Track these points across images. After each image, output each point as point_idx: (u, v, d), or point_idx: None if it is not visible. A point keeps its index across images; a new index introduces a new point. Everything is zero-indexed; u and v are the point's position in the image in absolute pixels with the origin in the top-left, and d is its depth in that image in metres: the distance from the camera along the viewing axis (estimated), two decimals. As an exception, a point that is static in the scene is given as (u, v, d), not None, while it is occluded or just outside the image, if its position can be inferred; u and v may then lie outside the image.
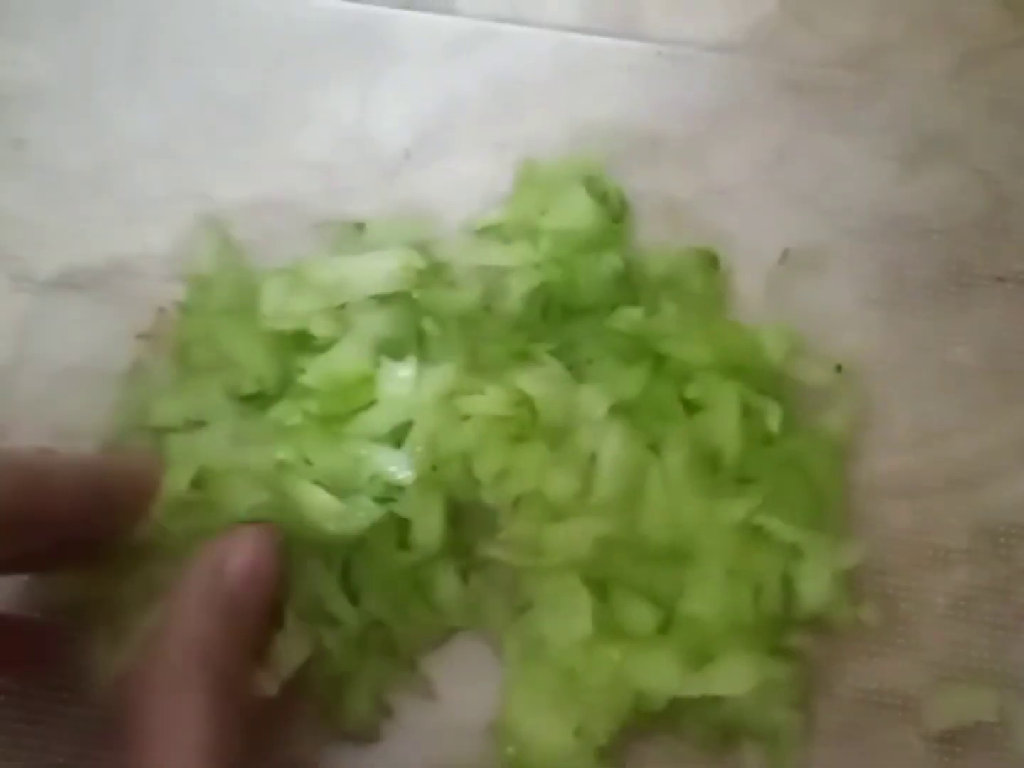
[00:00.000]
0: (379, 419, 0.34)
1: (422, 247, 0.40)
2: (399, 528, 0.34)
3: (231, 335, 0.37)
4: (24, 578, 0.35)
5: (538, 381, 0.35)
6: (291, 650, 0.32)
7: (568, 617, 0.34)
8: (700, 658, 0.34)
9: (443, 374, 0.35)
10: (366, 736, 0.35)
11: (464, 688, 0.36)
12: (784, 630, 0.35)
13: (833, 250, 0.42)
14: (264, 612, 0.30)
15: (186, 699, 0.27)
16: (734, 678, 0.33)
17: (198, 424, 0.36)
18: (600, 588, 0.35)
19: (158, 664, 0.27)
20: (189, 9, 0.45)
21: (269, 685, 0.31)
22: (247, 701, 0.29)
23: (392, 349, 0.36)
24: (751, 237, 0.42)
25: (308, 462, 0.33)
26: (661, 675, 0.33)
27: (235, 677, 0.29)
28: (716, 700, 0.34)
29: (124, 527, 0.32)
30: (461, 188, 0.42)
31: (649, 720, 0.35)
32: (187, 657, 0.27)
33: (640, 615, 0.34)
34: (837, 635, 0.36)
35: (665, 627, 0.34)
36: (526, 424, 0.35)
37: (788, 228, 0.42)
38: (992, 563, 0.38)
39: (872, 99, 0.44)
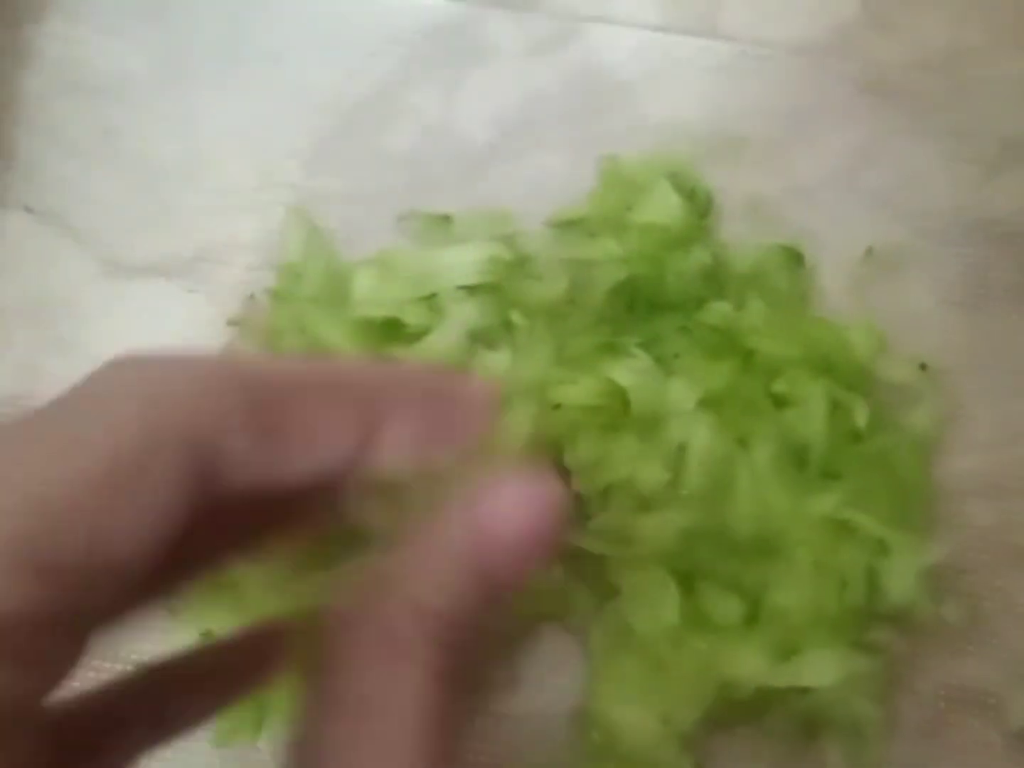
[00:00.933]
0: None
1: (507, 240, 0.40)
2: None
3: (322, 322, 0.38)
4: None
5: (629, 372, 0.35)
6: None
7: (655, 607, 0.34)
8: (786, 649, 0.34)
9: (536, 363, 0.35)
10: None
11: (548, 675, 0.37)
12: (867, 624, 0.35)
13: (915, 251, 0.42)
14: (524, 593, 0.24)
15: (407, 676, 0.20)
16: (819, 670, 0.33)
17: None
18: (686, 580, 0.35)
19: (374, 624, 0.20)
20: (280, 5, 0.45)
21: None
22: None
23: (483, 338, 0.37)
24: (833, 236, 0.42)
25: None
26: (748, 664, 0.33)
27: (468, 668, 0.21)
28: (800, 692, 0.34)
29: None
30: (544, 183, 0.43)
31: (733, 711, 0.35)
32: (415, 628, 0.20)
33: (726, 607, 0.35)
34: (920, 632, 0.37)
35: (751, 619, 0.35)
36: (618, 414, 0.35)
37: (870, 228, 0.42)
38: (1075, 565, 0.38)
39: (951, 103, 0.44)
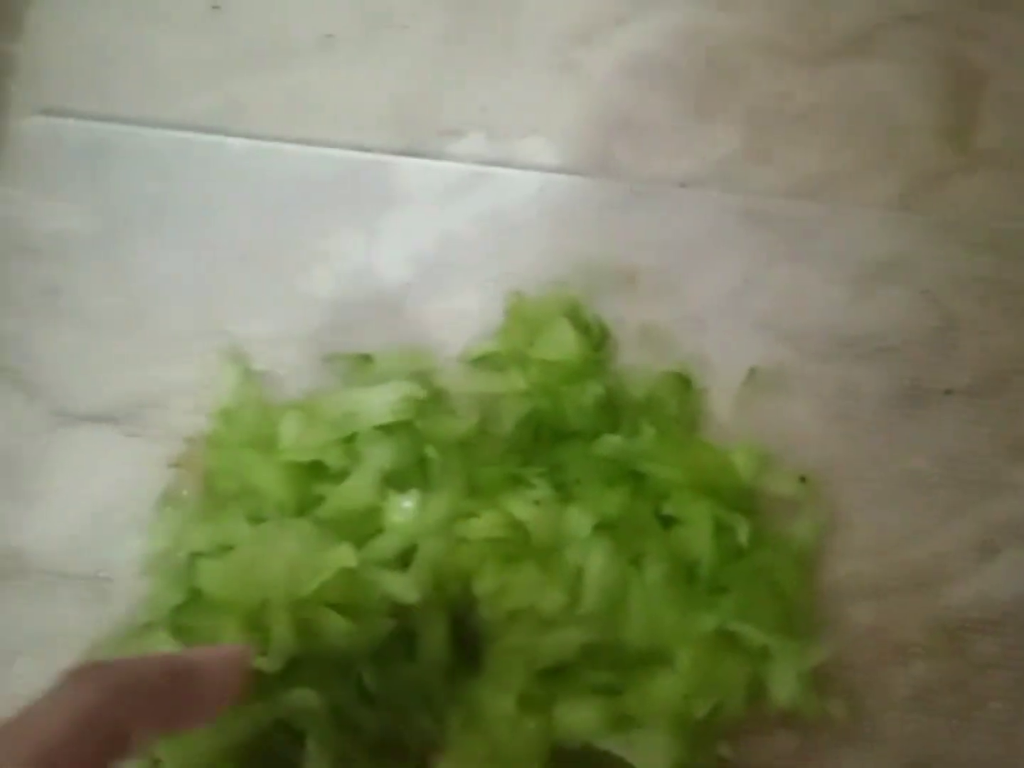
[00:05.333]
0: (387, 545, 0.38)
1: (424, 377, 0.44)
2: (407, 642, 0.38)
3: (253, 466, 0.41)
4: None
5: (528, 505, 0.39)
6: None
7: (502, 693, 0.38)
8: (626, 723, 0.37)
9: (442, 502, 0.39)
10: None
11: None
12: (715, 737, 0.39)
13: (795, 369, 0.46)
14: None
15: None
16: (650, 753, 0.37)
17: (225, 548, 0.40)
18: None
19: None
20: (209, 160, 0.49)
21: None
22: None
23: (398, 477, 0.40)
24: (721, 359, 0.46)
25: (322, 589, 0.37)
26: (581, 719, 0.37)
27: None
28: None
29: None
30: (459, 320, 0.47)
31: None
32: None
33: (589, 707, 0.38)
34: (808, 728, 0.40)
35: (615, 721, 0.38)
36: (518, 545, 0.39)
37: (754, 350, 0.46)
38: (949, 657, 0.41)
39: (827, 227, 0.48)
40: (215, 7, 0.53)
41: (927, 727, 0.41)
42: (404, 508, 0.39)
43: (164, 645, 0.38)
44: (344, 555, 0.37)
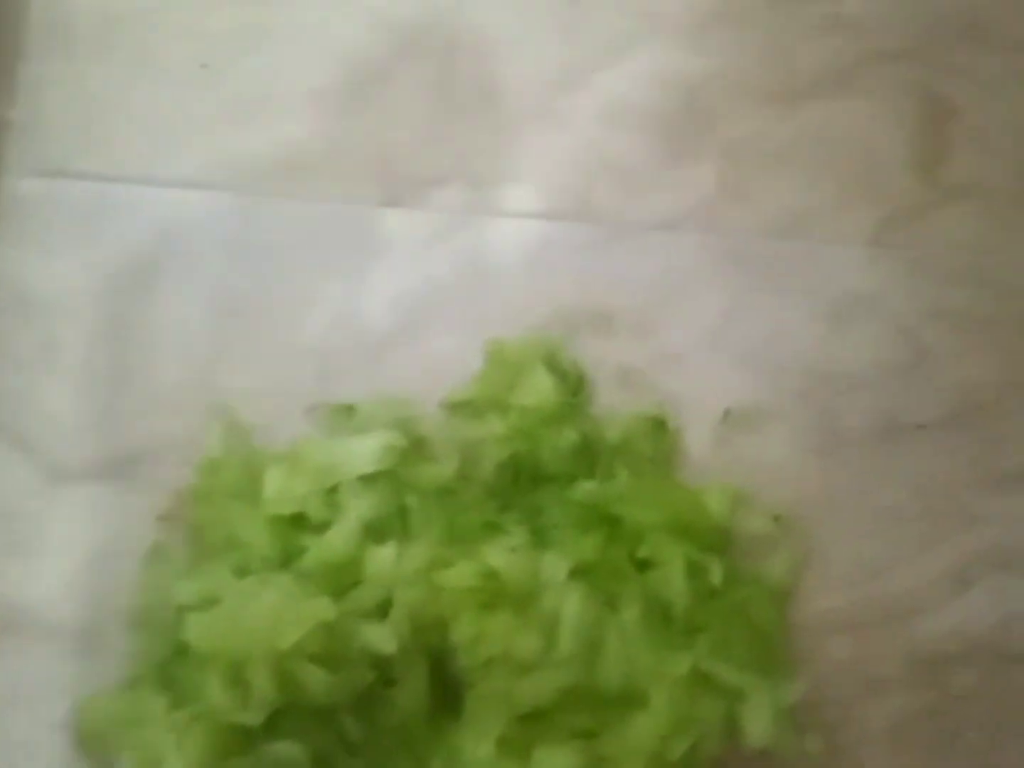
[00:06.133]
0: (366, 596, 0.39)
1: (406, 424, 0.45)
2: (388, 690, 0.39)
3: (238, 518, 0.42)
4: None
5: (504, 553, 0.40)
6: None
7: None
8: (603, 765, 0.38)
9: (420, 552, 0.40)
10: None
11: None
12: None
13: (772, 406, 0.47)
14: None
15: None
16: None
17: (211, 601, 0.41)
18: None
19: None
20: (200, 216, 0.51)
21: None
22: None
23: (378, 527, 0.41)
24: (699, 398, 0.47)
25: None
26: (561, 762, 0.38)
27: None
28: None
29: None
30: (440, 366, 0.48)
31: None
32: None
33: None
34: (786, 764, 0.41)
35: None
36: (494, 593, 0.40)
37: (732, 388, 0.47)
38: (926, 690, 0.42)
39: (802, 264, 0.49)
40: (203, 65, 0.54)
41: (905, 759, 0.41)
42: (382, 559, 0.40)
43: (151, 699, 0.39)
44: (322, 608, 0.38)
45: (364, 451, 0.43)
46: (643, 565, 0.41)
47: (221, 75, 0.54)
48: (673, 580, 0.40)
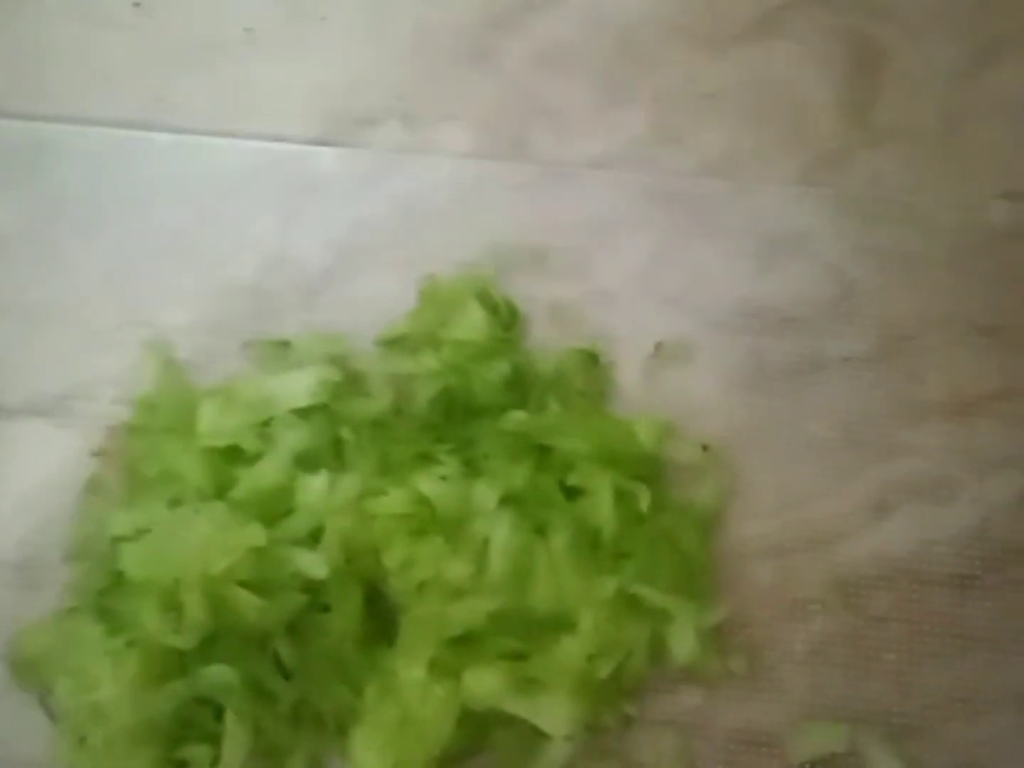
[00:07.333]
0: (298, 524, 0.40)
1: (340, 360, 0.46)
2: (321, 615, 0.40)
3: (173, 451, 0.43)
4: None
5: (435, 481, 0.41)
6: (234, 746, 0.37)
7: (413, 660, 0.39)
8: (531, 686, 0.39)
9: (351, 482, 0.40)
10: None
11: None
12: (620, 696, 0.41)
13: (701, 342, 0.48)
14: None
15: None
16: (553, 716, 0.39)
17: (145, 532, 0.41)
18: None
19: None
20: (135, 155, 0.51)
21: None
22: None
23: (311, 458, 0.42)
24: (629, 334, 0.47)
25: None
26: (486, 684, 0.39)
27: None
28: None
29: None
30: (375, 303, 0.48)
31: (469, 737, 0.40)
32: None
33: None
34: (711, 683, 0.42)
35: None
36: (425, 520, 0.40)
37: (661, 324, 0.48)
38: (844, 613, 0.43)
39: (732, 204, 0.50)
40: (136, 4, 0.54)
41: (825, 679, 0.42)
42: (314, 488, 0.40)
43: (87, 627, 0.39)
44: (253, 534, 0.38)
45: (298, 385, 0.44)
46: (572, 493, 0.42)
47: (155, 14, 0.54)
48: (601, 507, 0.41)
